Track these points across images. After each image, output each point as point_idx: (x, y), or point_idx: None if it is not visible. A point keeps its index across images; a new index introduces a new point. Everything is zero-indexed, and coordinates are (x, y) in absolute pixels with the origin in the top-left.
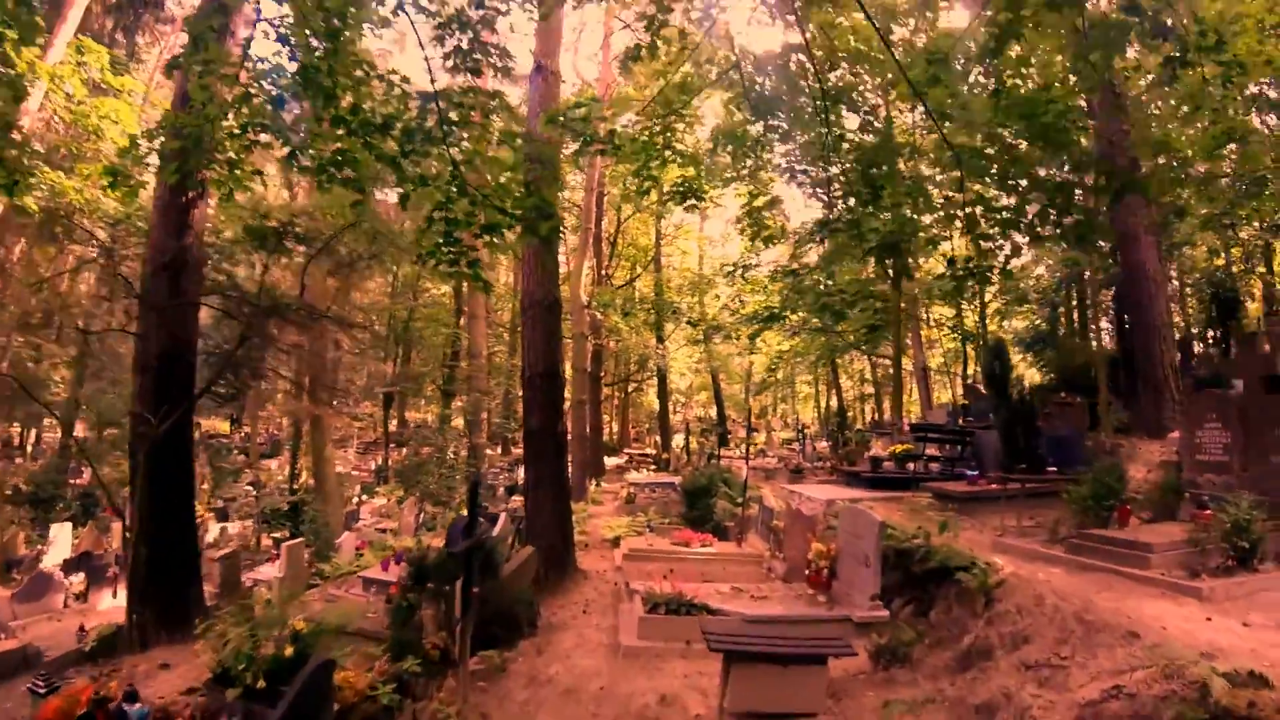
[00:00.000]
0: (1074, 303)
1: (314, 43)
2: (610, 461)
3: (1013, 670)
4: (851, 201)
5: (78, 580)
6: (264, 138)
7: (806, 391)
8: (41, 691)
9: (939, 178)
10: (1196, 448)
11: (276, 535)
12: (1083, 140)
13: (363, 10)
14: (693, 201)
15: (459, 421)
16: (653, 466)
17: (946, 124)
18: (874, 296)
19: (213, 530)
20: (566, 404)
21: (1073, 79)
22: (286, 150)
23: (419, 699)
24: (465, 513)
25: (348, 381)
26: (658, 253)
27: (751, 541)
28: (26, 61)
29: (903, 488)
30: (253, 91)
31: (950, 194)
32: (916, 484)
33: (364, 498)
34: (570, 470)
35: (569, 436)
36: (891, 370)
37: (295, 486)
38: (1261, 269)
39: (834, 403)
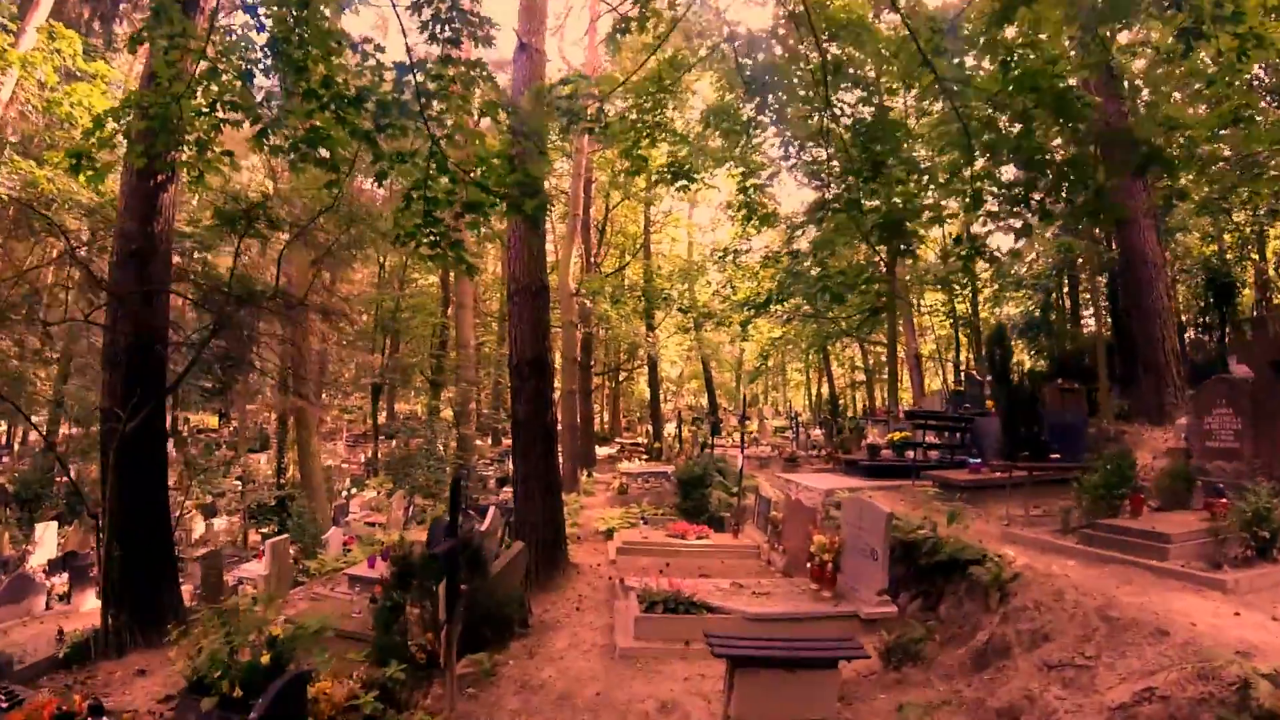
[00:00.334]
0: (1065, 289)
1: (283, 11)
2: (602, 451)
3: (1034, 671)
4: (850, 180)
5: (60, 581)
6: (233, 116)
7: (798, 379)
8: (4, 706)
9: (940, 159)
10: (1206, 434)
11: (265, 531)
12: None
13: None
14: (683, 182)
15: (448, 413)
16: (645, 456)
17: (951, 99)
18: (873, 280)
19: (199, 527)
20: (556, 394)
21: (1074, 55)
22: (257, 129)
23: (403, 709)
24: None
25: (335, 374)
26: (647, 240)
27: (749, 533)
28: None
29: (902, 476)
30: (221, 67)
31: (955, 170)
32: (917, 472)
33: (354, 491)
34: (561, 461)
35: (559, 426)
36: (884, 358)
37: (282, 481)
38: (1255, 255)
39: (825, 390)
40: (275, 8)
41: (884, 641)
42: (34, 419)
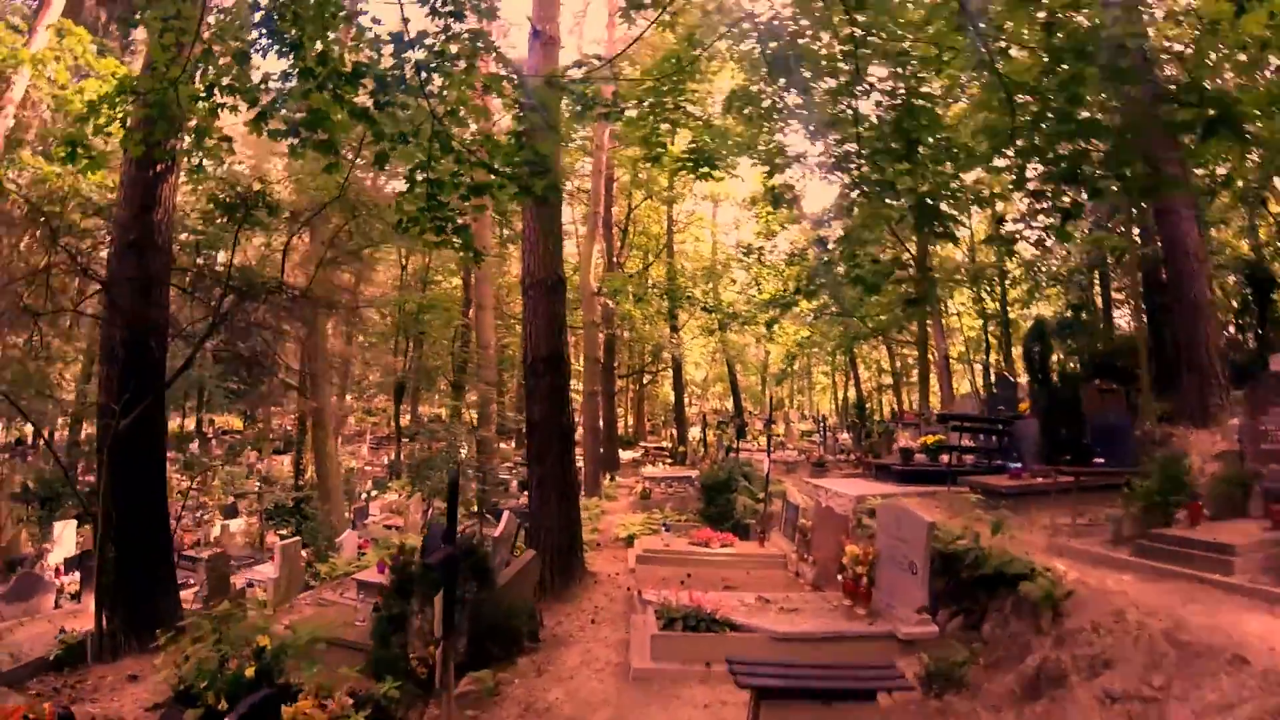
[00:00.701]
0: (1096, 286)
1: None
2: (625, 455)
3: (1094, 703)
4: (880, 163)
5: (71, 580)
6: (230, 100)
7: (824, 383)
8: None
9: (979, 138)
10: (1261, 435)
11: (283, 533)
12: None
13: None
14: (705, 169)
15: (471, 415)
16: (669, 460)
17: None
18: (907, 266)
19: (217, 528)
20: (578, 396)
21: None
22: (255, 112)
23: None
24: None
25: (360, 376)
26: (670, 240)
27: (775, 541)
28: (8, 47)
29: (937, 482)
30: (217, 49)
31: (998, 144)
32: (952, 478)
33: (374, 493)
34: (582, 464)
35: (579, 429)
36: (912, 360)
37: (300, 483)
38: None
39: (852, 394)
40: None
41: (923, 665)
42: (59, 419)
